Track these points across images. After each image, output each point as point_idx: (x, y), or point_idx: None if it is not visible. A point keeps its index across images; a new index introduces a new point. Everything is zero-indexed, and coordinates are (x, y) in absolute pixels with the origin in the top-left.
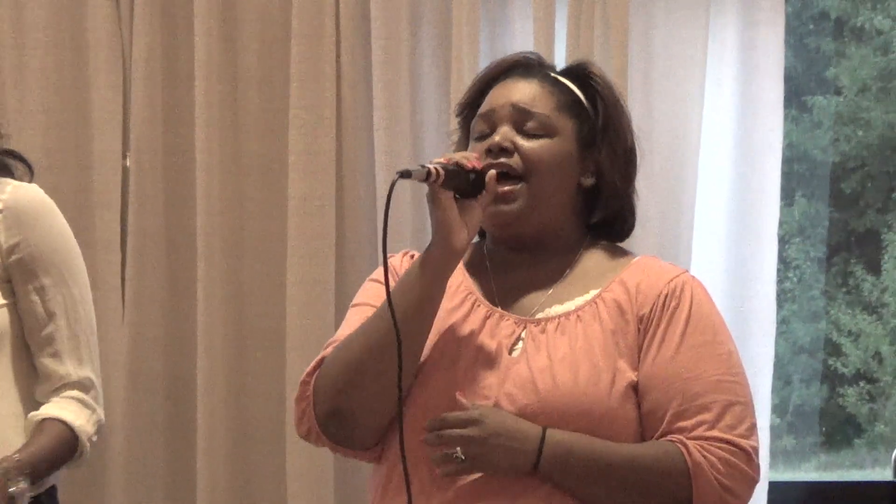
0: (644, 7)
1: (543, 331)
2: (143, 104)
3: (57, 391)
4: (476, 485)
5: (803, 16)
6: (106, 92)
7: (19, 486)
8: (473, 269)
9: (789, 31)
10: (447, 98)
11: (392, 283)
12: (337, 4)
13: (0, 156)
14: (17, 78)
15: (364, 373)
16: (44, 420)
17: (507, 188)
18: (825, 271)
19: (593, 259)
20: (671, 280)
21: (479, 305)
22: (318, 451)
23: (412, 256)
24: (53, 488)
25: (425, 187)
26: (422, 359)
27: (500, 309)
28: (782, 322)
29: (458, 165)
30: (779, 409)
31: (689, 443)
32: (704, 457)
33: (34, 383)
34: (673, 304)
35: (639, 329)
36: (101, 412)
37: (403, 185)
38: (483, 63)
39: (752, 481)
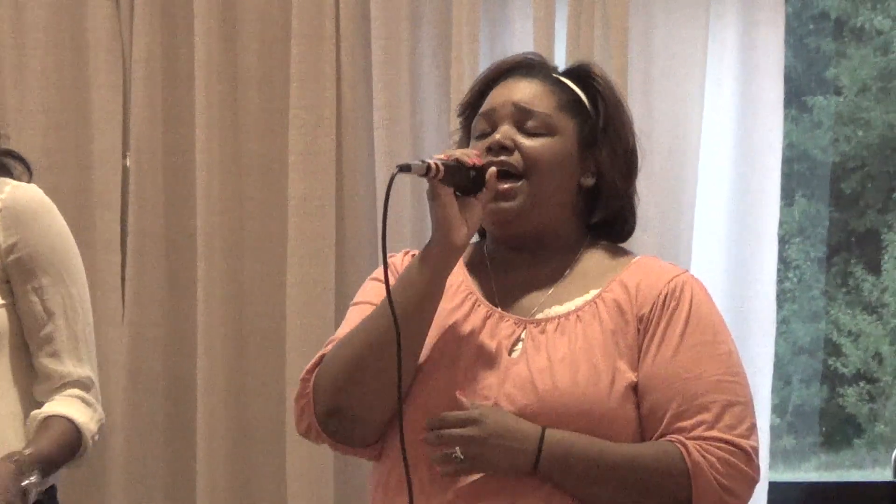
0: (644, 7)
1: (543, 331)
2: (143, 104)
3: (58, 390)
4: (476, 485)
5: (803, 16)
6: (106, 92)
7: (32, 480)
8: (474, 269)
9: (789, 31)
10: (447, 98)
11: (392, 282)
12: (337, 4)
13: None
14: (17, 78)
15: (364, 370)
16: (49, 417)
17: (507, 185)
18: (825, 271)
19: (593, 259)
20: (671, 280)
21: (479, 305)
22: (318, 450)
23: (413, 255)
24: (53, 488)
25: (426, 185)
26: (422, 358)
27: (500, 309)
28: (782, 322)
29: (459, 162)
30: (779, 409)
31: (689, 443)
32: (704, 457)
33: (33, 383)
34: (672, 303)
35: (638, 329)
36: (101, 411)
37: (403, 182)
38: (483, 63)
39: (752, 481)
